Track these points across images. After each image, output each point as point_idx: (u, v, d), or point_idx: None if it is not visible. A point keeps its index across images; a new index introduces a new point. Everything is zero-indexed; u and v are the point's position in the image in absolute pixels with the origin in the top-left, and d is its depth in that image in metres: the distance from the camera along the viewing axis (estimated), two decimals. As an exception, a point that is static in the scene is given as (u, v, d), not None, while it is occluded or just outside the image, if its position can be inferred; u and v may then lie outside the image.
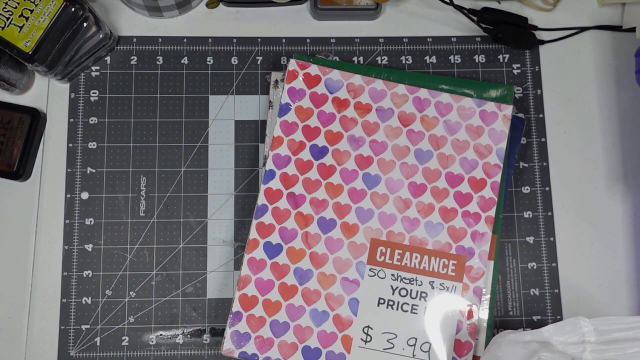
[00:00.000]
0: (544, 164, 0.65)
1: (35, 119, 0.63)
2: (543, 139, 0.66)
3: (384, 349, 0.58)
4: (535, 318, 0.62)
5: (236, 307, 0.59)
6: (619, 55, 0.67)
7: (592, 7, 0.69)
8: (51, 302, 0.61)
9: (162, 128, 0.65)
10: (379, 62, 0.67)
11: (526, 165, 0.65)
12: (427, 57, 0.67)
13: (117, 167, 0.64)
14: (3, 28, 0.57)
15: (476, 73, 0.67)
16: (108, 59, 0.66)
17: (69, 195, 0.63)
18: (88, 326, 0.61)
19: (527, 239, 0.64)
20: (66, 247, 0.62)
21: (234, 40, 0.67)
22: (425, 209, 0.61)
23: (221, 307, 0.62)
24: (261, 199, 0.61)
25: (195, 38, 0.67)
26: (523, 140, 0.65)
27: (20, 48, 0.57)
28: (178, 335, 0.61)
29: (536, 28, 0.67)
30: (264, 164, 0.63)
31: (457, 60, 0.67)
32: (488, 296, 0.60)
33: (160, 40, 0.67)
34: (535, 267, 0.63)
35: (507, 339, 0.51)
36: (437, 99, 0.63)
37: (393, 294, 0.59)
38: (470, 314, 0.59)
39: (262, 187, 0.61)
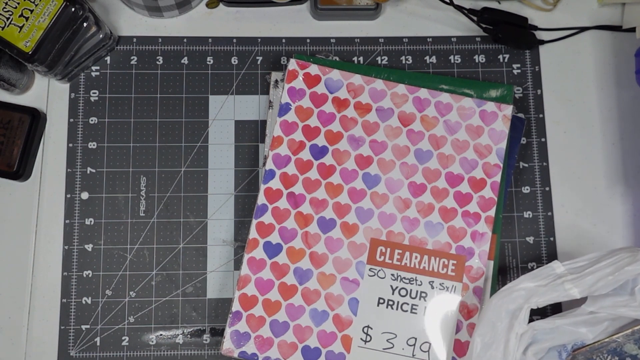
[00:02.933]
0: (544, 164, 0.65)
1: (35, 119, 0.63)
2: (543, 139, 0.66)
3: (383, 349, 0.58)
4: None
5: (236, 306, 0.59)
6: (619, 55, 0.67)
7: (592, 7, 0.69)
8: (51, 302, 0.61)
9: (162, 128, 0.65)
10: (379, 62, 0.67)
11: (526, 165, 0.65)
12: (427, 57, 0.67)
13: (117, 167, 0.64)
14: (3, 28, 0.57)
15: (476, 73, 0.67)
16: (108, 59, 0.66)
17: (69, 195, 0.63)
18: (88, 326, 0.61)
19: (527, 239, 0.64)
20: (66, 247, 0.62)
21: (234, 40, 0.67)
22: (425, 209, 0.61)
23: (221, 307, 0.62)
24: (261, 199, 0.61)
25: (195, 38, 0.67)
26: (523, 140, 0.65)
27: (20, 48, 0.57)
28: (178, 335, 0.61)
29: (536, 28, 0.67)
30: (264, 164, 0.63)
31: (457, 60, 0.67)
32: (488, 296, 0.60)
33: (160, 40, 0.67)
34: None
35: (492, 305, 0.53)
36: (437, 99, 0.63)
37: (393, 293, 0.59)
38: (470, 314, 0.59)
39: (262, 187, 0.61)
